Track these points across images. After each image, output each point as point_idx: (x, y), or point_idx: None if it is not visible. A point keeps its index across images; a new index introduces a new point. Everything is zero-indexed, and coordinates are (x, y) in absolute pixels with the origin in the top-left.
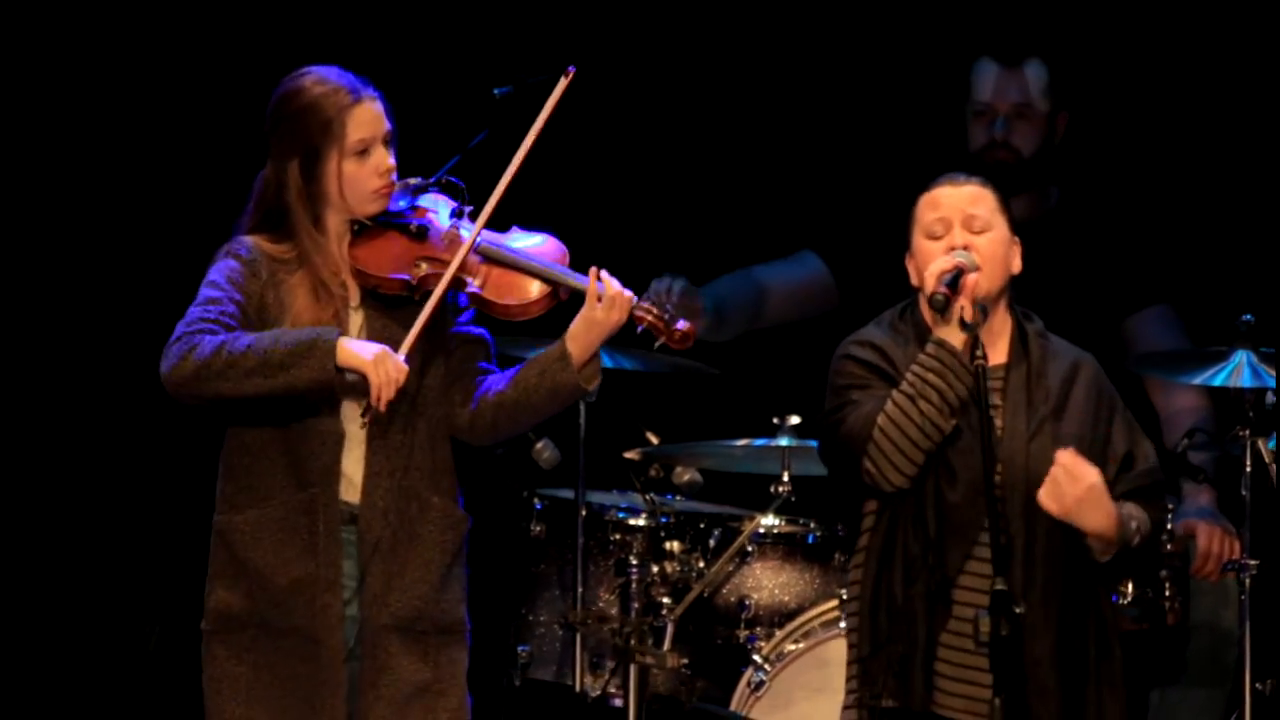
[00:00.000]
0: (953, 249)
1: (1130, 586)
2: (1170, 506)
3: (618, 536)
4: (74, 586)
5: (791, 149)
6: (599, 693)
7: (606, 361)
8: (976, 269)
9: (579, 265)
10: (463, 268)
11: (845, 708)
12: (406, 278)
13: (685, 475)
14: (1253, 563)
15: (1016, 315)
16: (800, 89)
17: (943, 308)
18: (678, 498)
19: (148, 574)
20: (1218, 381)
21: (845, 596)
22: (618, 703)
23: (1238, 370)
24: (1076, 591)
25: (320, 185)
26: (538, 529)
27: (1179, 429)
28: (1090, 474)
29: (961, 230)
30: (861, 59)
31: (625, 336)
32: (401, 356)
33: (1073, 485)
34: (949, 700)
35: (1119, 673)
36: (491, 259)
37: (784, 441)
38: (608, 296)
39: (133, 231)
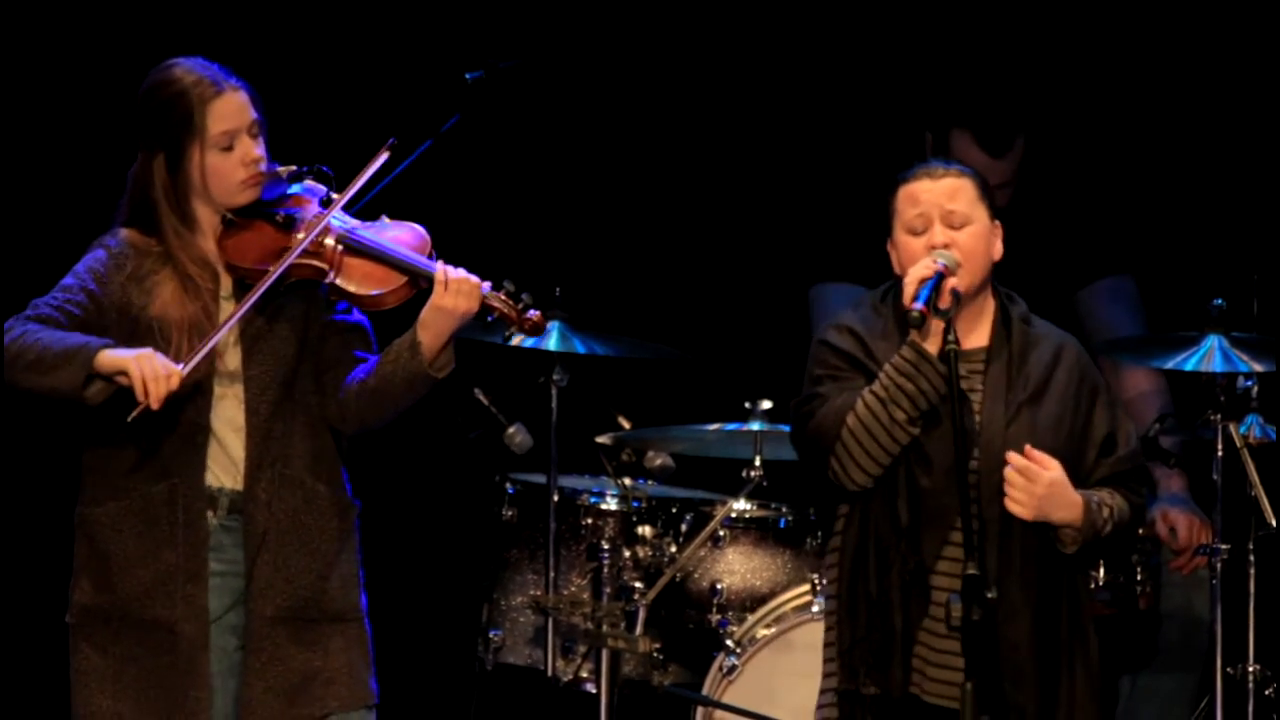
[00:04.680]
0: (933, 247)
1: (1101, 571)
2: (1144, 492)
3: (590, 521)
4: None
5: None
6: (571, 677)
7: (579, 347)
8: (958, 267)
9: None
10: (320, 258)
11: (822, 691)
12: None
13: (657, 460)
14: (1224, 547)
15: (1000, 299)
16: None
17: (919, 324)
18: (650, 482)
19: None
20: (1189, 366)
21: (824, 582)
22: (590, 687)
23: (1209, 355)
24: (1052, 575)
25: (186, 179)
26: (510, 514)
27: (1142, 413)
28: (1046, 471)
29: (942, 227)
30: (824, 70)
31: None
32: (205, 349)
33: (1033, 486)
34: (929, 685)
35: (1094, 656)
36: (349, 248)
37: (756, 426)
38: (453, 283)
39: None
